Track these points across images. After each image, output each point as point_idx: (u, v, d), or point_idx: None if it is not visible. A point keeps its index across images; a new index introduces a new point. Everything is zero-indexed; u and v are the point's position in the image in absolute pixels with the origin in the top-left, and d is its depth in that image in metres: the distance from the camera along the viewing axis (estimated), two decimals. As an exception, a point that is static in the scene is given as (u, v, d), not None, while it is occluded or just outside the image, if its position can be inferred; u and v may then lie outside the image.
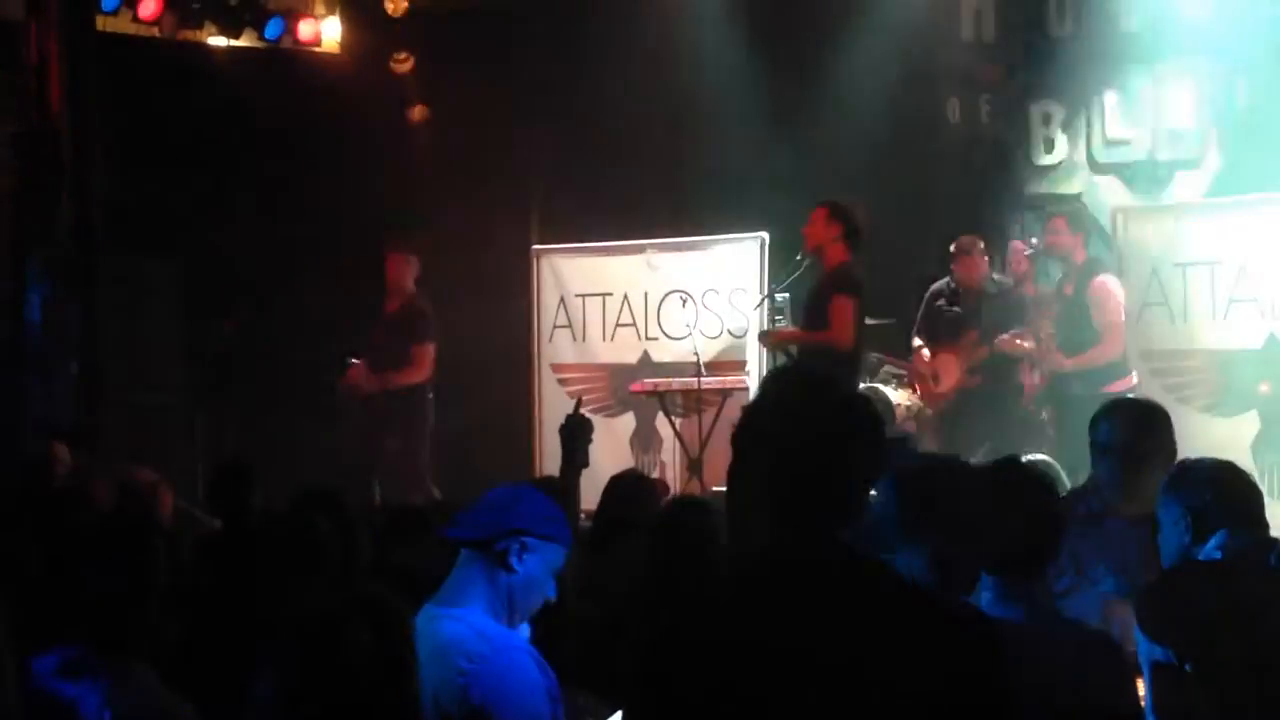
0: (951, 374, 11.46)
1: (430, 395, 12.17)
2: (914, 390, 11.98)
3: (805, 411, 2.90)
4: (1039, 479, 4.55)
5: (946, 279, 11.61)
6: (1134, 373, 10.55)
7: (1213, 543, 4.66)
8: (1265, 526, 4.81)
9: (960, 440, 11.07)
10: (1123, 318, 10.53)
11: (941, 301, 11.62)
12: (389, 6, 13.96)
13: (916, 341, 11.78)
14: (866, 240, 10.66)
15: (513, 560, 4.40)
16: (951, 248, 11.50)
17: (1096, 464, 5.68)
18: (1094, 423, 5.70)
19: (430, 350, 12.08)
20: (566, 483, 6.28)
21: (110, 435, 11.96)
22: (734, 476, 2.94)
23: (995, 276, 11.53)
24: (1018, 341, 10.89)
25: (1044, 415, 11.28)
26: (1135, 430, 5.57)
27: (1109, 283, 10.55)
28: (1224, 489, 4.78)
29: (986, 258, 11.44)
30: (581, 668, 4.86)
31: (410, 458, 11.99)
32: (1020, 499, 4.33)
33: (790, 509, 2.85)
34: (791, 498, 2.85)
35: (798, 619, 2.76)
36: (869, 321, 12.19)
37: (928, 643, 2.77)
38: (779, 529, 2.85)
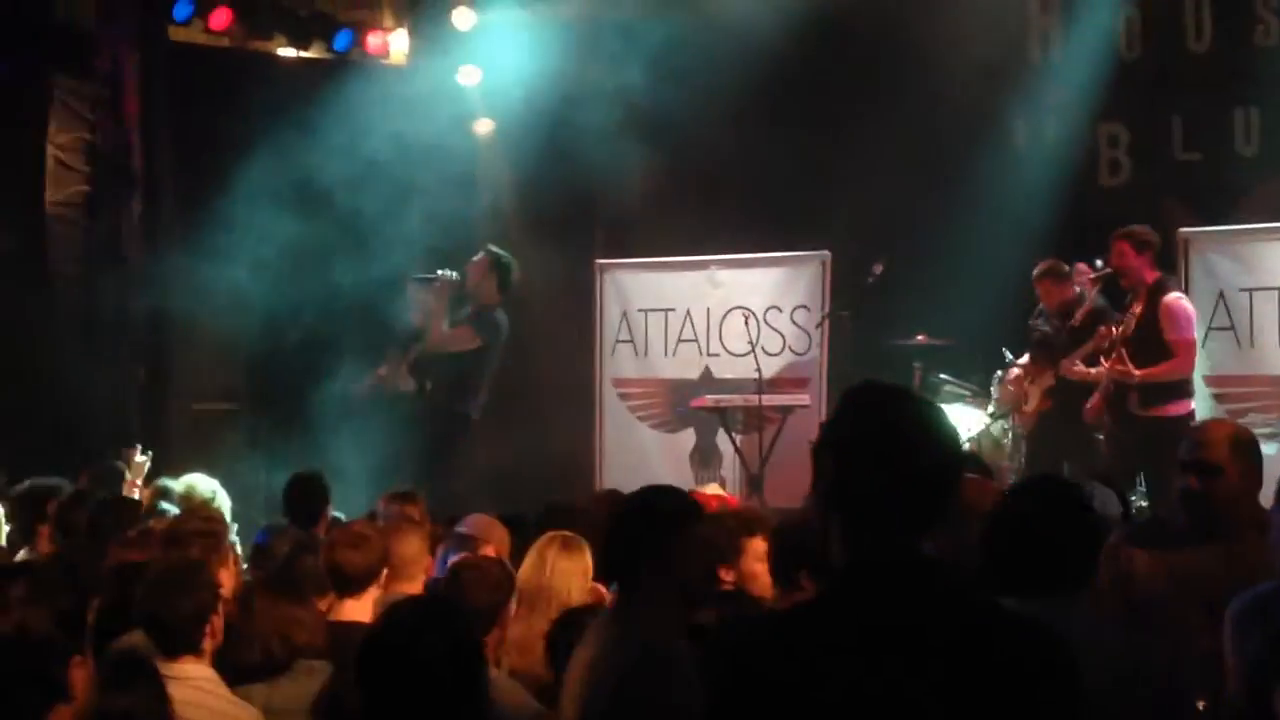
0: (1035, 397, 11.38)
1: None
2: (984, 409, 11.99)
3: (909, 427, 2.94)
4: (1080, 498, 4.56)
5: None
6: (1193, 397, 10.49)
7: None
8: None
9: (1039, 463, 11.09)
10: (1194, 335, 10.45)
11: (1039, 322, 11.54)
12: (456, 19, 14.05)
13: (1010, 358, 11.73)
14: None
15: None
16: (1034, 272, 11.45)
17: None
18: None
19: None
20: None
21: (175, 441, 12.07)
22: (833, 489, 2.97)
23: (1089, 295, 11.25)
24: (1076, 366, 10.81)
25: (1100, 435, 11.17)
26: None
27: (1181, 300, 10.47)
28: None
29: (1069, 280, 11.21)
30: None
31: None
32: (1063, 518, 4.36)
33: (889, 521, 2.89)
34: (894, 510, 2.89)
35: (895, 628, 2.81)
36: (933, 342, 12.23)
37: (1011, 651, 2.83)
38: (875, 539, 2.89)
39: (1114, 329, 10.44)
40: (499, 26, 14.00)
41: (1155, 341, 10.31)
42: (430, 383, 11.81)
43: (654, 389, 12.92)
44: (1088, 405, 10.86)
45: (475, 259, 11.74)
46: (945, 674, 2.77)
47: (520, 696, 5.29)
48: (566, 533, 6.45)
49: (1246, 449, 5.53)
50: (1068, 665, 2.86)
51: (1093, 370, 10.61)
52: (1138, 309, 10.50)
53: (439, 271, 11.95)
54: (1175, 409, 10.27)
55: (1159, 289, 10.43)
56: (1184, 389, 10.45)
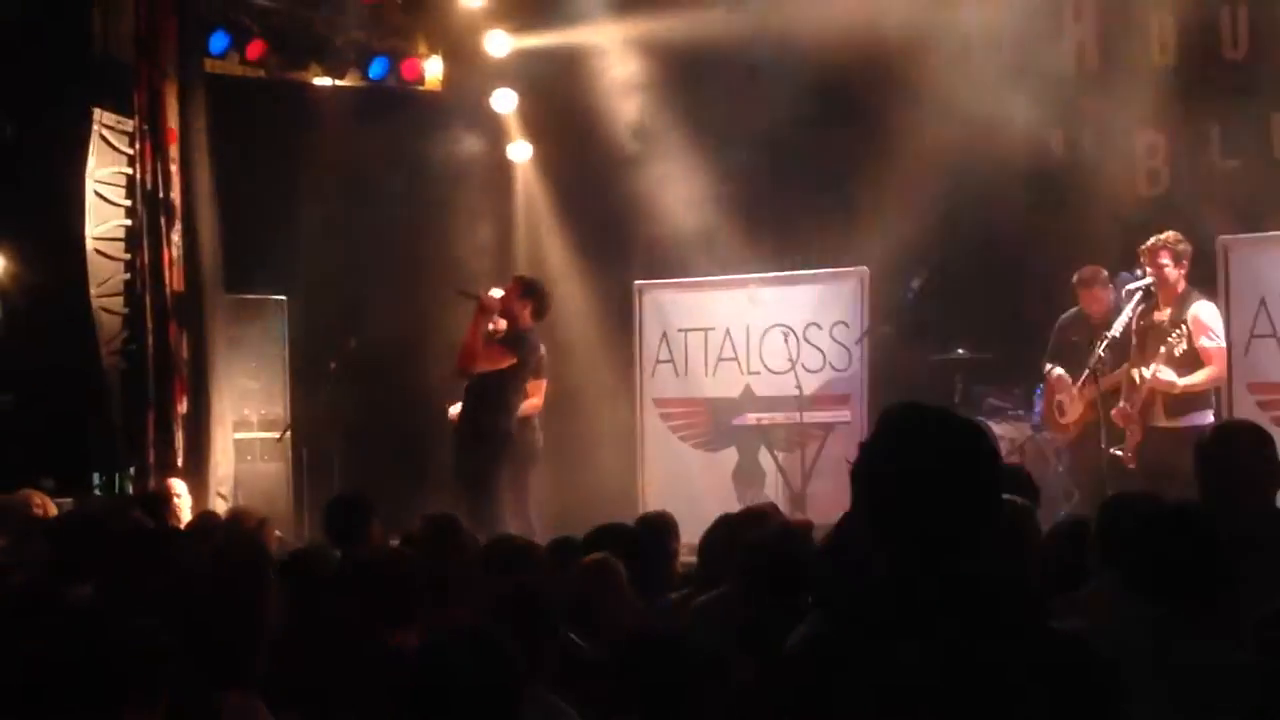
0: (1075, 407, 11.21)
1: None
2: (1022, 422, 11.90)
3: (948, 449, 2.93)
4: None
5: (1076, 309, 11.37)
6: (1213, 408, 10.41)
7: None
8: None
9: (1080, 474, 11.02)
10: (1224, 343, 10.39)
11: (1070, 331, 11.38)
12: (490, 45, 14.10)
13: (1048, 368, 11.49)
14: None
15: None
16: (1075, 278, 11.33)
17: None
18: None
19: (544, 385, 12.10)
20: None
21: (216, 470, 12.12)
22: (872, 510, 2.95)
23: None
24: (1177, 384, 10.47)
25: (1119, 451, 10.90)
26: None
27: (1212, 307, 10.43)
28: None
29: (1110, 288, 11.16)
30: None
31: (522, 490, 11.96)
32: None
33: (928, 542, 2.89)
34: (933, 532, 2.89)
35: (936, 649, 2.80)
36: (974, 355, 12.16)
37: (1051, 667, 2.83)
38: (915, 561, 2.88)
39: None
40: (533, 51, 14.06)
41: (1186, 349, 10.25)
42: (463, 403, 11.66)
43: (695, 408, 12.90)
44: (1125, 409, 10.71)
45: (507, 285, 11.61)
46: (990, 693, 2.77)
47: (557, 712, 5.29)
48: (594, 562, 6.43)
49: (1266, 443, 5.53)
50: (1111, 681, 2.87)
51: (1195, 380, 10.38)
52: (1158, 314, 10.45)
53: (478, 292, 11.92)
54: (1200, 419, 10.21)
55: (1188, 297, 10.41)
56: (1207, 399, 10.41)
